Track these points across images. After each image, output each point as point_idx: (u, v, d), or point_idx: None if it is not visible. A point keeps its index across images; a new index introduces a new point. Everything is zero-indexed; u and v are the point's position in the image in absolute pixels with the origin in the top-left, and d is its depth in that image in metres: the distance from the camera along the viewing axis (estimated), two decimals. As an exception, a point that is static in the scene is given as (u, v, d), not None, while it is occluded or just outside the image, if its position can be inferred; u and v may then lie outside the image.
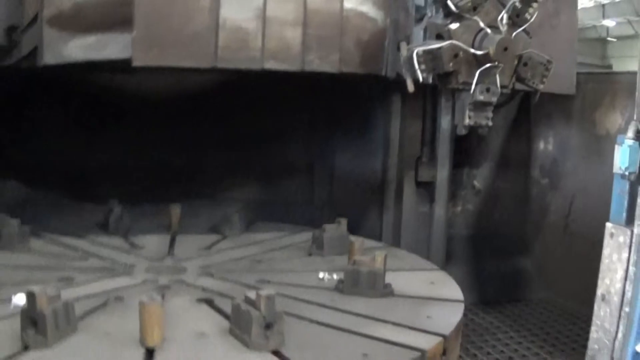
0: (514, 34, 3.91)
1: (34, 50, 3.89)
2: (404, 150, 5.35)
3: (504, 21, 3.90)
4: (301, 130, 5.91)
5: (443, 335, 2.99)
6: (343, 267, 3.63)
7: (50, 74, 4.28)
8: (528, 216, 6.03)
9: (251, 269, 3.97)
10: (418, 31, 4.16)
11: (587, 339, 3.64)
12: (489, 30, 3.89)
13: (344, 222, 4.36)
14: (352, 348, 2.84)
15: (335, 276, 3.70)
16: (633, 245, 3.22)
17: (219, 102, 5.50)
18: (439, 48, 3.90)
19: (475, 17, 3.90)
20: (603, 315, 3.36)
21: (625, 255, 3.26)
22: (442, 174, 5.16)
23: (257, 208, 5.11)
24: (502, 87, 4.04)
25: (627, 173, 3.26)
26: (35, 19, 3.84)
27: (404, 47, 4.16)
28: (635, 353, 3.19)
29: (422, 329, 3.06)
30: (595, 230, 3.64)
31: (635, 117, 3.37)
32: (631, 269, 3.23)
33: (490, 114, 4.16)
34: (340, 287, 3.54)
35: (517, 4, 3.92)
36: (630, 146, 3.23)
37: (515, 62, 4.02)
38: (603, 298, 3.37)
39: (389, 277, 3.55)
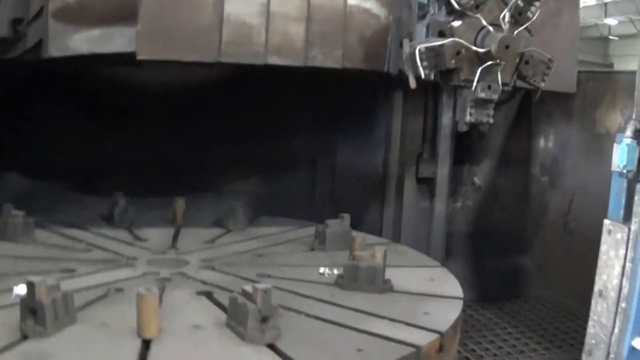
0: (516, 32, 3.94)
1: (39, 42, 3.91)
2: (405, 146, 5.37)
3: (506, 19, 3.93)
4: (304, 125, 5.92)
5: (439, 332, 2.99)
6: (344, 262, 3.62)
7: (54, 67, 4.30)
8: (528, 213, 6.05)
9: (252, 263, 3.98)
10: (421, 28, 4.17)
11: (584, 335, 3.65)
12: (491, 28, 3.92)
13: (347, 217, 4.35)
14: (347, 343, 2.84)
15: (335, 271, 3.70)
16: (630, 242, 3.25)
17: (222, 96, 5.51)
18: (442, 45, 3.93)
19: (478, 15, 3.93)
20: (600, 311, 3.39)
21: (622, 251, 3.29)
22: (442, 170, 5.17)
23: (259, 202, 5.13)
24: (504, 84, 4.07)
25: (625, 171, 3.29)
26: (40, 11, 3.86)
27: (406, 44, 4.19)
28: (632, 348, 3.21)
29: (419, 325, 3.06)
30: (594, 228, 3.66)
31: (634, 117, 3.40)
32: (628, 265, 3.25)
33: (491, 112, 4.19)
34: (339, 282, 3.55)
35: (520, 2, 3.95)
36: (628, 145, 3.26)
37: (517, 60, 4.05)
38: (600, 294, 3.40)
39: (390, 273, 3.54)
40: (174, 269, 3.73)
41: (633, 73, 3.68)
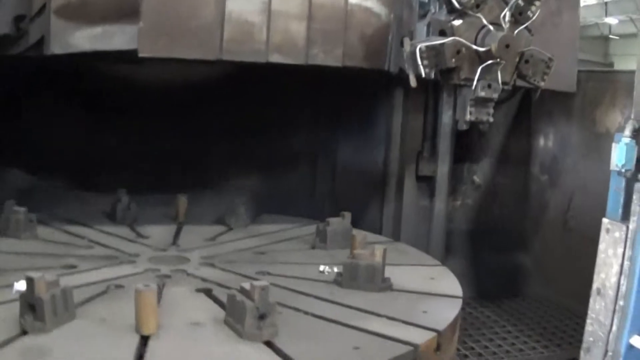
0: (516, 31, 3.96)
1: (41, 39, 3.93)
2: (405, 145, 5.38)
3: (507, 19, 3.95)
4: (304, 123, 5.93)
5: (437, 331, 2.99)
6: (344, 260, 3.62)
7: (56, 64, 4.31)
8: (527, 212, 6.05)
9: (253, 261, 3.99)
10: (421, 27, 4.19)
11: (583, 334, 3.66)
12: (491, 28, 3.94)
13: (348, 215, 4.35)
14: (344, 341, 2.84)
15: (335, 269, 3.70)
16: (628, 240, 3.27)
17: (223, 93, 5.52)
18: (442, 44, 3.95)
19: (479, 14, 3.95)
20: (598, 309, 3.40)
21: (620, 250, 3.31)
22: (442, 168, 5.18)
23: (260, 199, 5.14)
24: (504, 83, 4.09)
25: (623, 170, 3.31)
26: (42, 8, 3.87)
27: (407, 42, 4.21)
28: (629, 346, 3.23)
29: (417, 324, 3.06)
30: (594, 227, 3.67)
31: (632, 116, 3.42)
32: (626, 263, 3.27)
33: (491, 110, 4.21)
34: (338, 281, 3.55)
35: (520, 1, 3.97)
36: (627, 144, 3.28)
37: (517, 59, 4.07)
38: (598, 292, 3.42)
39: (390, 272, 3.55)
40: (174, 266, 3.75)
41: (633, 72, 3.70)
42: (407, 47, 4.18)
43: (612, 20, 30.95)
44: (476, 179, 5.94)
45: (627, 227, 3.30)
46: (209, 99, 5.52)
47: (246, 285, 2.75)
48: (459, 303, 3.39)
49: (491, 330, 5.24)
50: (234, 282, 3.32)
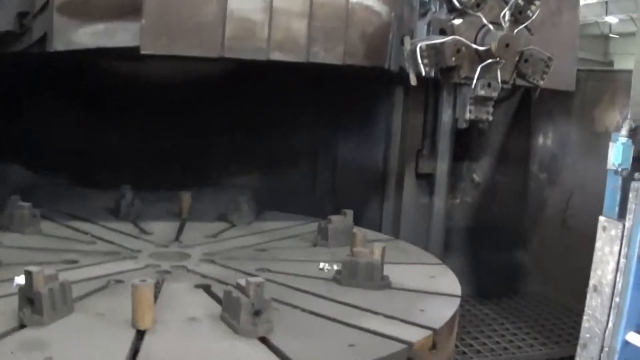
0: (516, 30, 3.98)
1: (44, 36, 3.95)
2: (405, 142, 5.39)
3: (507, 18, 3.97)
4: (305, 121, 5.94)
5: (433, 329, 2.98)
6: (344, 258, 3.61)
7: (58, 61, 4.33)
8: (526, 210, 6.07)
9: (253, 258, 3.99)
10: (422, 26, 4.22)
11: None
12: (491, 27, 3.97)
13: (349, 213, 4.34)
14: (339, 338, 2.82)
15: (335, 267, 3.68)
16: (624, 238, 3.29)
17: (225, 91, 5.54)
18: (442, 43, 3.98)
19: (479, 14, 3.98)
20: (595, 306, 3.43)
21: (616, 247, 3.33)
22: (442, 166, 5.19)
23: (260, 195, 5.16)
24: (503, 82, 4.12)
25: (620, 169, 3.34)
26: (45, 5, 3.89)
27: (407, 41, 4.24)
28: (625, 342, 3.26)
29: (413, 322, 3.04)
30: (592, 225, 3.67)
31: (629, 116, 3.45)
32: (622, 261, 3.30)
33: (490, 109, 4.24)
34: (338, 278, 3.54)
35: (520, 1, 4.00)
36: (623, 143, 3.31)
37: (517, 58, 4.10)
38: (595, 289, 3.44)
39: (390, 270, 3.54)
40: (175, 262, 3.76)
41: (632, 72, 3.72)
42: (407, 45, 4.21)
43: (612, 19, 30.95)
44: (475, 177, 5.96)
45: (624, 225, 3.33)
46: (210, 97, 5.54)
47: (242, 281, 2.75)
48: (457, 302, 3.38)
49: (489, 327, 5.25)
50: (233, 278, 3.28)
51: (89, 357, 2.51)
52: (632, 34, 29.04)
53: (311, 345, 2.77)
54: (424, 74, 4.08)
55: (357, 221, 4.45)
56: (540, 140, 5.93)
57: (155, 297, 3.08)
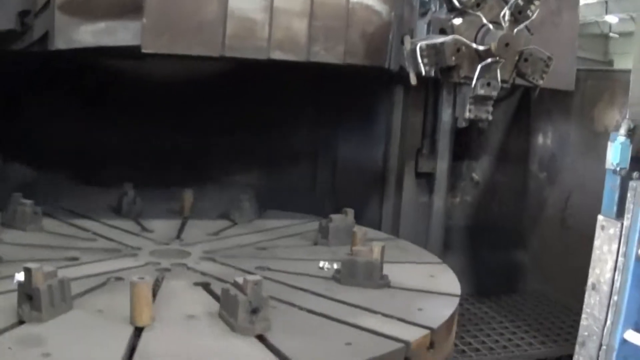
0: (516, 30, 3.99)
1: (45, 35, 3.95)
2: (405, 142, 5.40)
3: (506, 17, 3.98)
4: (305, 120, 5.96)
5: (430, 328, 2.97)
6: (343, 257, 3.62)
7: (59, 59, 4.35)
8: (526, 209, 6.08)
9: (254, 256, 4.00)
10: (422, 25, 4.23)
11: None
12: (491, 26, 3.98)
13: (350, 212, 4.35)
14: (336, 337, 2.84)
15: (335, 266, 3.68)
16: (623, 237, 3.31)
17: (225, 91, 5.55)
18: (442, 42, 3.98)
19: (479, 13, 3.98)
20: (593, 304, 3.45)
21: (615, 246, 3.35)
22: (441, 165, 5.21)
23: (260, 195, 5.16)
24: (503, 82, 4.12)
25: (618, 169, 3.36)
26: (47, 4, 3.90)
27: (407, 40, 4.24)
28: (623, 340, 3.28)
29: (411, 321, 3.04)
30: (591, 225, 3.68)
31: (627, 116, 3.47)
32: (620, 259, 3.31)
33: (490, 108, 4.25)
34: (337, 277, 3.54)
35: (520, 1, 4.00)
36: (622, 143, 3.33)
37: (516, 57, 4.10)
38: (593, 287, 3.46)
39: (391, 269, 3.55)
40: (175, 259, 3.77)
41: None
42: (407, 45, 4.22)
43: (612, 19, 30.87)
44: (475, 176, 5.97)
45: (622, 224, 3.34)
46: (211, 96, 5.55)
47: (239, 279, 2.76)
48: (455, 301, 3.38)
49: (489, 326, 5.27)
50: (232, 276, 3.26)
51: (86, 354, 2.53)
52: (632, 34, 28.98)
53: (308, 344, 2.78)
54: (424, 73, 4.09)
55: (357, 220, 4.46)
56: (540, 139, 5.94)
57: (154, 295, 3.12)
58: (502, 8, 3.99)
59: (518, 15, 4.02)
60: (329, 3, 4.32)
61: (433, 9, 4.16)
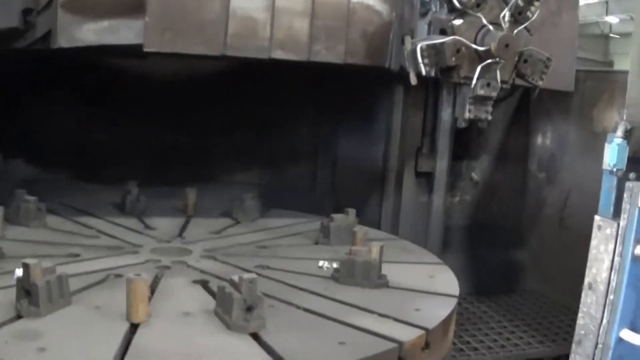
0: (516, 31, 4.02)
1: (48, 33, 3.98)
2: (405, 141, 5.41)
3: (506, 18, 4.01)
4: (306, 119, 5.98)
5: (425, 329, 2.95)
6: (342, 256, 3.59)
7: (61, 57, 4.36)
8: (525, 209, 6.09)
9: (255, 254, 3.99)
10: (422, 25, 4.25)
11: (576, 328, 3.73)
12: (491, 27, 4.00)
13: (352, 212, 4.34)
14: (331, 335, 2.82)
15: (335, 265, 3.65)
16: (619, 237, 3.34)
17: (226, 88, 5.57)
18: (442, 43, 4.01)
19: (479, 14, 4.01)
20: (589, 303, 3.46)
21: (611, 246, 3.37)
22: (441, 165, 5.20)
23: (260, 193, 5.18)
24: (503, 82, 4.15)
25: (615, 170, 3.39)
26: (50, 2, 3.93)
27: (408, 40, 4.27)
28: (619, 339, 3.30)
29: (407, 322, 3.02)
30: (589, 225, 3.69)
31: (624, 117, 3.50)
32: (617, 259, 3.33)
33: (490, 108, 4.28)
34: (336, 276, 3.53)
35: (520, 2, 4.03)
36: (618, 144, 3.35)
37: (516, 58, 4.13)
38: (590, 286, 3.47)
39: (390, 269, 3.53)
40: (175, 257, 3.77)
41: (629, 73, 3.77)
42: (408, 45, 4.24)
43: (612, 19, 30.90)
44: (475, 175, 5.97)
45: (618, 224, 3.36)
46: (211, 95, 5.57)
47: (235, 277, 2.76)
48: (453, 302, 3.36)
49: (487, 325, 5.28)
50: (231, 275, 3.32)
51: (82, 348, 2.54)
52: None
53: (302, 342, 2.76)
54: (424, 73, 4.11)
55: (357, 219, 4.47)
56: (539, 139, 5.96)
57: (153, 292, 3.13)
58: (502, 9, 4.02)
59: (518, 16, 4.05)
60: (330, 3, 4.35)
61: (433, 9, 4.19)
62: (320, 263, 3.78)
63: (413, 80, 4.21)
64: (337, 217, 4.29)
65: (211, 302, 3.01)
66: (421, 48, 4.02)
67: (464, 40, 4.00)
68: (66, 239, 4.07)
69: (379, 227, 5.23)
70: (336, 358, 2.68)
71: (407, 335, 2.88)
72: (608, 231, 3.42)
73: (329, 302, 3.24)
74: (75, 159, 5.45)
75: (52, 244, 3.93)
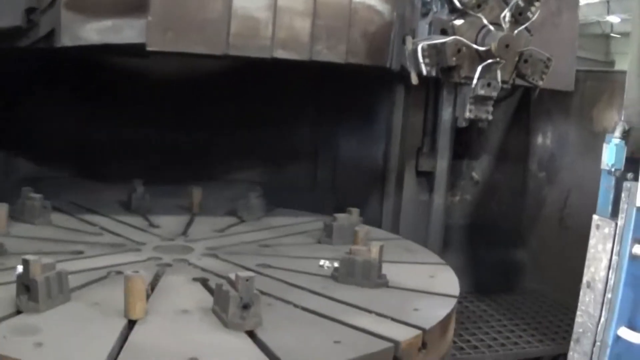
0: (516, 31, 4.04)
1: (51, 32, 4.00)
2: (405, 140, 5.42)
3: (507, 19, 4.03)
4: (307, 118, 5.99)
5: (422, 329, 2.94)
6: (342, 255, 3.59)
7: (63, 55, 4.39)
8: (525, 208, 6.10)
9: (256, 253, 4.00)
10: (423, 25, 4.27)
11: (575, 327, 3.74)
12: (491, 27, 4.02)
13: (355, 211, 4.36)
14: (326, 335, 2.81)
15: (336, 264, 3.63)
16: (617, 236, 3.35)
17: (227, 88, 5.59)
18: (443, 43, 4.03)
19: (479, 14, 4.03)
20: (588, 301, 3.48)
21: (609, 245, 3.38)
22: (441, 164, 5.21)
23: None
24: (503, 82, 4.17)
25: (613, 170, 3.41)
26: (53, 1, 3.94)
27: (409, 40, 4.29)
28: (617, 337, 3.32)
29: (404, 321, 3.01)
30: (589, 224, 3.69)
31: (622, 118, 3.52)
32: (614, 258, 3.34)
33: (490, 108, 4.29)
34: (335, 275, 3.52)
35: (520, 2, 4.05)
36: (616, 145, 3.37)
37: (516, 58, 4.15)
38: (588, 285, 3.49)
39: (391, 269, 3.53)
40: (177, 255, 3.79)
41: (631, 73, 3.79)
42: (409, 45, 4.26)
43: (614, 19, 30.88)
44: (475, 175, 5.98)
45: (616, 224, 3.37)
46: (212, 95, 5.58)
47: (232, 275, 2.78)
48: (452, 302, 3.35)
49: (487, 324, 5.29)
50: (232, 273, 3.36)
51: (78, 344, 2.56)
52: (634, 34, 28.89)
53: (297, 340, 2.77)
54: (424, 73, 4.13)
55: (357, 218, 4.49)
56: (540, 139, 5.97)
57: (153, 289, 3.16)
58: (503, 9, 4.04)
59: (518, 17, 4.07)
60: (331, 3, 4.37)
61: (434, 9, 4.20)
62: (321, 262, 3.78)
63: (414, 80, 4.23)
64: (340, 216, 4.30)
65: (210, 300, 3.02)
66: (422, 48, 4.04)
67: (465, 40, 4.02)
68: (70, 236, 4.09)
69: (380, 226, 5.24)
70: (331, 357, 2.67)
71: (404, 335, 2.87)
72: (606, 230, 3.43)
73: (327, 301, 3.24)
74: (77, 156, 5.46)
75: (56, 241, 3.96)
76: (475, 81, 4.07)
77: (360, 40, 4.47)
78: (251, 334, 2.75)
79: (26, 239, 3.91)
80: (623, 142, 3.39)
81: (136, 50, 4.08)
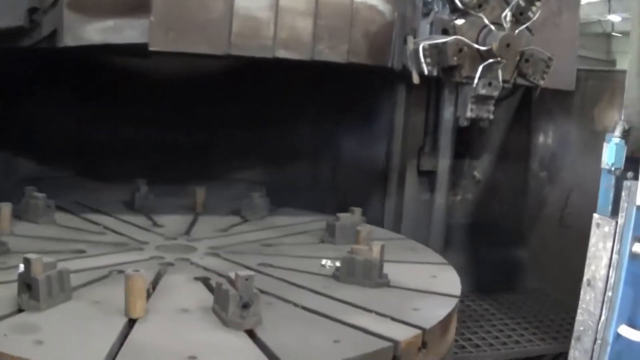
0: (517, 31, 4.05)
1: (54, 32, 4.01)
2: (407, 140, 5.41)
3: (508, 18, 4.04)
4: (308, 118, 5.99)
5: (422, 328, 2.94)
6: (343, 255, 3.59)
7: (64, 55, 4.39)
8: (526, 208, 6.09)
9: (259, 252, 4.01)
10: (424, 25, 4.28)
11: (576, 325, 3.75)
12: (493, 27, 4.03)
13: (358, 211, 4.36)
14: (326, 334, 2.82)
15: (337, 264, 3.63)
16: (617, 235, 3.36)
17: (228, 88, 5.59)
18: (445, 43, 4.04)
19: (480, 14, 4.04)
20: (588, 300, 3.48)
21: (609, 244, 3.39)
22: (443, 163, 5.22)
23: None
24: (504, 81, 4.18)
25: (613, 169, 3.42)
26: (55, 1, 3.95)
27: (410, 40, 4.30)
28: (617, 335, 3.33)
29: (404, 321, 3.00)
30: (589, 224, 3.70)
31: (622, 117, 3.53)
32: (615, 256, 3.35)
33: (491, 108, 4.30)
34: (336, 275, 3.52)
35: (521, 2, 4.06)
36: (617, 144, 3.38)
37: (518, 58, 4.17)
38: (589, 283, 3.49)
39: (393, 269, 3.52)
40: (180, 254, 3.80)
41: (631, 73, 3.80)
42: (410, 45, 4.27)
43: (615, 18, 30.86)
44: (476, 174, 5.98)
45: (616, 223, 3.38)
46: (213, 94, 5.58)
47: (232, 274, 2.78)
48: (453, 302, 3.34)
49: (489, 322, 5.29)
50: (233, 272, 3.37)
51: (78, 342, 2.57)
52: (634, 34, 28.86)
53: (296, 340, 2.77)
54: (426, 72, 4.14)
55: (360, 218, 4.49)
56: (541, 138, 5.97)
57: (154, 288, 3.18)
58: (504, 9, 4.05)
59: (519, 16, 4.09)
60: (333, 2, 4.37)
61: (436, 9, 4.22)
62: (323, 262, 3.78)
63: (415, 79, 4.24)
64: (343, 215, 4.30)
65: (210, 299, 3.02)
66: (423, 48, 4.05)
67: (466, 40, 4.03)
68: (73, 235, 4.11)
69: (382, 226, 5.25)
70: (330, 356, 2.67)
71: (404, 334, 2.87)
72: (606, 229, 3.44)
73: (328, 301, 3.24)
74: (76, 157, 5.47)
75: (59, 240, 3.97)
76: (476, 81, 4.09)
77: (361, 40, 4.47)
78: (251, 333, 2.76)
79: (29, 238, 3.93)
80: (623, 141, 3.40)
81: (138, 50, 4.09)
